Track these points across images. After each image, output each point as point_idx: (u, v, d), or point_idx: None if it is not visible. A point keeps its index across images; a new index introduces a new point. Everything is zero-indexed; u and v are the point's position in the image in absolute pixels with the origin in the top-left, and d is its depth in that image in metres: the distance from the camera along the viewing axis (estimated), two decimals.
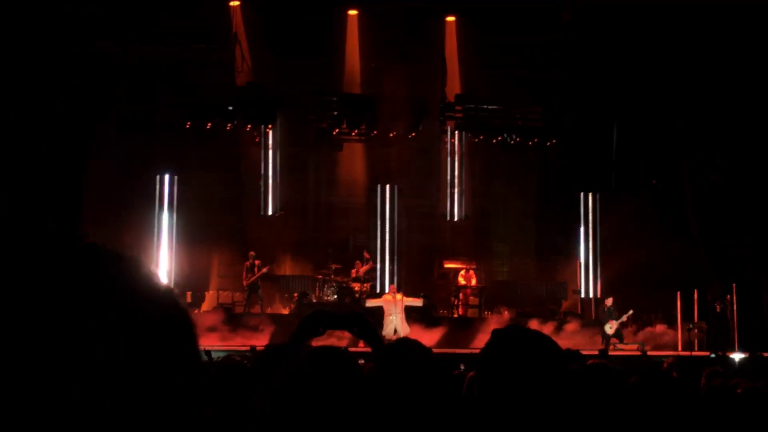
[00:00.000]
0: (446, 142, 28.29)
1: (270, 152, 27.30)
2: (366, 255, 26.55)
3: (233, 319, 24.04)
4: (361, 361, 11.35)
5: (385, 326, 22.62)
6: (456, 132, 28.25)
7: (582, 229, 27.71)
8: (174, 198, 25.97)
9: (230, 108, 26.86)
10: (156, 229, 25.76)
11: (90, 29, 24.67)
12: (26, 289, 0.80)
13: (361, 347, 14.19)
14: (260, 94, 26.87)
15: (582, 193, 27.75)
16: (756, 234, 26.26)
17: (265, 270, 25.46)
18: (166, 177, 25.96)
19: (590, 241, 27.62)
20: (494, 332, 2.51)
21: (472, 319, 25.87)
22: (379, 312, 23.14)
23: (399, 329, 22.38)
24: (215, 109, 26.80)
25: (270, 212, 27.17)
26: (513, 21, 26.52)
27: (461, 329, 24.51)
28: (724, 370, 10.16)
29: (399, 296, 23.16)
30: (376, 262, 26.54)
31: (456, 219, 28.08)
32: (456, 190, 28.19)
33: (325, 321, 3.81)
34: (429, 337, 23.57)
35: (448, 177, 28.24)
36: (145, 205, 25.74)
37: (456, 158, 28.34)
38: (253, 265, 25.38)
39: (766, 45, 24.86)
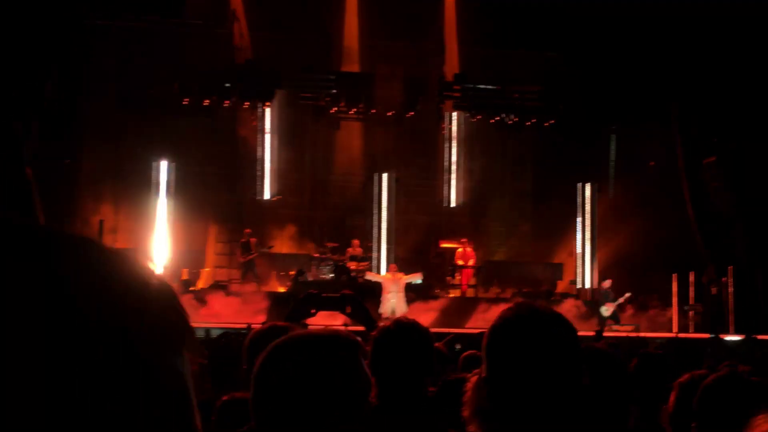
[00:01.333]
0: (444, 128, 28.25)
1: (267, 135, 27.24)
2: (357, 245, 26.45)
3: (228, 296, 24.04)
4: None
5: (383, 303, 22.71)
6: (454, 117, 28.21)
7: (579, 217, 27.71)
8: (171, 179, 25.88)
9: (228, 85, 26.77)
10: (152, 206, 25.70)
11: (86, 3, 24.55)
12: (17, 286, 0.78)
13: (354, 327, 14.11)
14: (258, 71, 26.80)
15: (580, 192, 27.81)
16: (751, 216, 26.25)
17: (264, 250, 25.44)
18: (164, 164, 25.82)
19: (587, 227, 27.61)
20: (505, 313, 2.35)
21: (469, 299, 25.90)
22: (378, 288, 23.23)
23: (396, 309, 22.42)
24: (213, 86, 26.71)
25: (266, 197, 27.17)
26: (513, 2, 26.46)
27: (458, 309, 24.54)
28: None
29: (399, 275, 23.21)
30: (371, 242, 26.57)
31: (453, 205, 28.16)
32: (453, 176, 28.21)
33: (318, 302, 3.80)
34: (425, 317, 23.61)
35: (446, 163, 28.24)
36: (141, 183, 25.68)
37: (454, 144, 28.34)
38: (248, 243, 25.34)
39: (759, 26, 24.79)
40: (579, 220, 27.74)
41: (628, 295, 24.69)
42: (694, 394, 3.23)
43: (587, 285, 27.33)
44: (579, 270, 27.55)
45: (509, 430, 2.24)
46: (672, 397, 3.47)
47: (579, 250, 27.67)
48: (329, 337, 2.19)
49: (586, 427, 2.28)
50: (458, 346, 8.70)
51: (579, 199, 27.77)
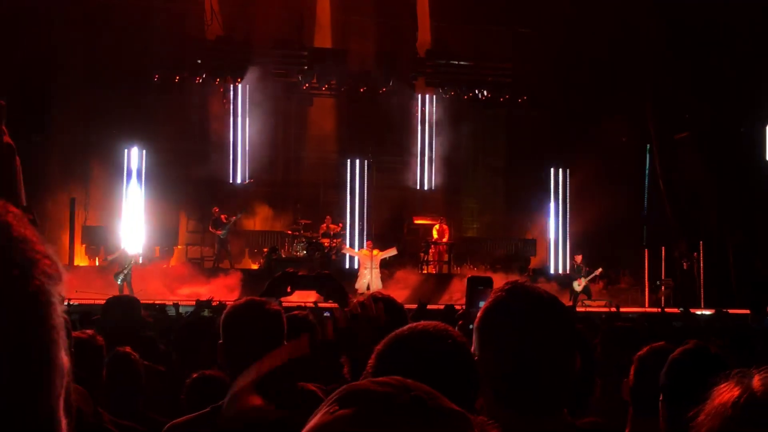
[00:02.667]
0: (417, 111, 28.18)
1: (239, 118, 27.04)
2: (330, 221, 26.38)
3: (201, 274, 23.99)
4: (327, 314, 11.38)
5: (359, 279, 22.84)
6: (427, 99, 28.14)
7: (551, 202, 27.76)
8: (142, 165, 25.70)
9: (198, 61, 26.57)
10: (124, 184, 25.54)
11: None
12: None
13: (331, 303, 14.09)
14: (229, 48, 26.63)
15: (552, 168, 27.87)
16: (722, 191, 26.42)
17: (234, 218, 25.30)
18: (135, 150, 25.67)
19: (559, 213, 27.62)
20: (499, 294, 2.27)
21: (443, 275, 25.96)
22: (351, 266, 23.32)
23: (372, 284, 22.55)
24: (183, 62, 26.50)
25: (239, 181, 27.03)
26: None
27: (431, 285, 24.59)
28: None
29: (375, 252, 23.27)
30: (345, 219, 26.55)
31: (426, 188, 28.16)
32: (426, 159, 28.18)
33: (293, 281, 3.78)
34: (398, 293, 23.66)
35: (419, 147, 28.19)
36: (112, 163, 25.52)
37: (427, 128, 28.26)
38: (218, 219, 25.21)
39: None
40: (552, 205, 27.76)
41: (600, 270, 24.81)
42: (653, 367, 3.26)
43: (560, 264, 27.39)
44: (552, 253, 27.59)
45: (504, 410, 2.22)
46: (632, 371, 3.49)
47: (552, 235, 27.69)
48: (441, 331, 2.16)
49: (572, 405, 2.26)
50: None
51: (551, 184, 27.78)
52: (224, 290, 21.79)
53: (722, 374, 1.67)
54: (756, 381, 1.59)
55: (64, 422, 0.96)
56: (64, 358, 0.97)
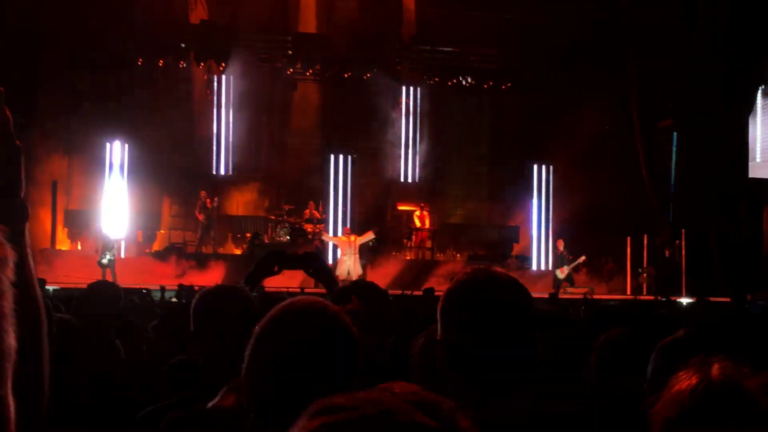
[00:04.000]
0: (401, 103, 28.05)
1: (223, 110, 26.88)
2: (313, 207, 26.38)
3: (184, 259, 23.95)
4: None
5: (339, 265, 22.81)
6: (411, 91, 28.00)
7: (534, 198, 27.72)
8: (125, 157, 25.52)
9: (183, 45, 26.46)
10: (106, 167, 25.40)
11: None
12: None
13: (316, 289, 14.20)
14: (213, 32, 26.51)
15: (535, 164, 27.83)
16: (705, 180, 26.52)
17: (214, 204, 25.29)
18: (117, 143, 25.49)
19: (542, 208, 27.58)
20: (461, 277, 2.37)
21: (425, 261, 26.00)
22: (333, 250, 23.34)
23: (351, 270, 22.53)
24: (167, 46, 26.39)
25: (222, 173, 26.88)
26: None
27: (414, 271, 24.63)
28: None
29: (353, 238, 23.22)
30: (328, 206, 26.48)
31: (410, 180, 28.01)
32: (410, 151, 28.05)
33: (281, 260, 3.78)
34: (381, 280, 23.69)
35: (402, 139, 28.08)
36: (95, 151, 25.39)
37: (411, 119, 28.12)
38: (204, 204, 25.22)
39: None
40: (534, 201, 27.72)
41: (583, 258, 24.86)
42: (611, 353, 3.29)
43: (542, 260, 27.30)
44: (534, 248, 27.53)
45: (466, 389, 2.26)
46: (592, 358, 3.50)
47: (534, 232, 27.62)
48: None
49: (537, 385, 2.31)
50: None
51: (534, 181, 27.70)
52: (207, 275, 21.77)
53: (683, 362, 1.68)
54: (715, 369, 1.59)
55: (12, 404, 0.95)
56: (10, 342, 0.96)
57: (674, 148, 27.39)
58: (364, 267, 23.39)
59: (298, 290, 14.58)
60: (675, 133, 27.36)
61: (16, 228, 1.46)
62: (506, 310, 2.29)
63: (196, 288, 12.53)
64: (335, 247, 24.63)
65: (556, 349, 3.82)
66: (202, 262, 23.71)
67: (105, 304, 5.57)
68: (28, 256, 1.51)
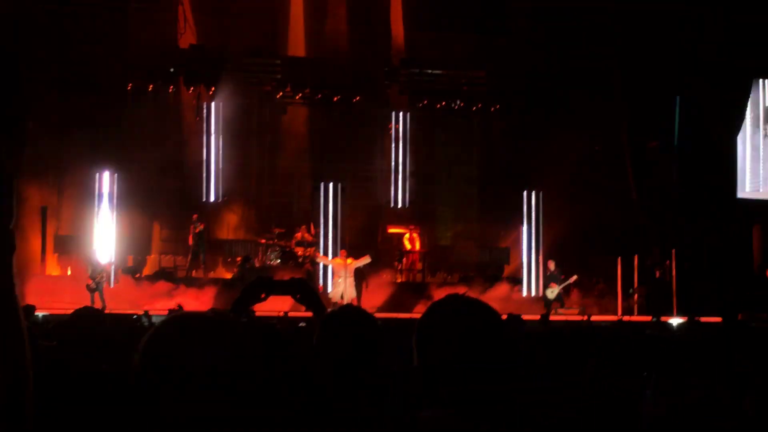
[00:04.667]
0: (391, 128, 27.98)
1: (213, 137, 26.79)
2: (305, 230, 26.36)
3: (175, 283, 23.90)
4: (302, 324, 11.36)
5: (333, 288, 22.82)
6: (401, 117, 27.93)
7: (525, 225, 27.53)
8: (114, 184, 25.39)
9: (172, 70, 26.47)
10: (96, 192, 25.32)
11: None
12: None
13: (304, 312, 14.06)
14: (203, 56, 26.54)
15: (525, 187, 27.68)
16: (695, 199, 26.61)
17: (201, 227, 25.23)
18: (107, 174, 25.35)
19: (532, 237, 27.38)
20: (432, 306, 2.48)
21: (416, 284, 25.98)
22: (325, 273, 23.35)
23: (345, 294, 22.50)
24: (157, 71, 26.40)
25: (212, 199, 26.76)
26: None
27: (405, 294, 24.61)
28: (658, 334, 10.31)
29: (349, 260, 23.19)
30: (319, 228, 26.41)
31: (399, 206, 27.87)
32: (399, 177, 27.89)
33: (268, 287, 3.77)
34: (373, 302, 23.68)
35: (392, 165, 27.97)
36: (85, 168, 25.31)
37: (401, 144, 27.98)
38: (195, 226, 25.21)
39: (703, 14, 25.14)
40: (524, 228, 27.56)
41: (574, 278, 24.89)
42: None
43: (533, 290, 27.03)
44: (525, 274, 27.29)
45: (443, 414, 2.30)
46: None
47: (525, 259, 27.43)
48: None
49: (514, 405, 2.35)
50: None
51: (524, 208, 27.53)
52: (197, 299, 21.72)
53: None
54: None
55: None
56: None
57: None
58: (359, 290, 23.38)
59: (288, 314, 14.57)
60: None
61: (3, 259, 1.46)
62: (474, 332, 2.35)
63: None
64: (326, 269, 24.61)
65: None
66: (192, 286, 23.65)
67: (88, 331, 5.52)
68: (14, 287, 1.51)
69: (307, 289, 3.71)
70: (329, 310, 3.47)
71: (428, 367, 2.36)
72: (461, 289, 23.76)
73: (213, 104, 26.65)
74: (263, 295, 3.72)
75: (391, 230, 28.22)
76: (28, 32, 24.37)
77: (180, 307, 13.17)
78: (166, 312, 14.96)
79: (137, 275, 24.95)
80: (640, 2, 25.63)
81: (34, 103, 24.27)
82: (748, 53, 25.98)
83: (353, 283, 23.04)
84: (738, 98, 27.31)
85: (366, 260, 23.75)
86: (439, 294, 23.15)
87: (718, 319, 17.47)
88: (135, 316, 14.11)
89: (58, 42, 24.91)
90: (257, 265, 25.48)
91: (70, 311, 5.18)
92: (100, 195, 25.11)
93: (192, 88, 26.86)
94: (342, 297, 22.33)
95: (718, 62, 26.08)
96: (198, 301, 21.69)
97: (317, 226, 26.39)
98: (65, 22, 25.13)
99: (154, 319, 14.93)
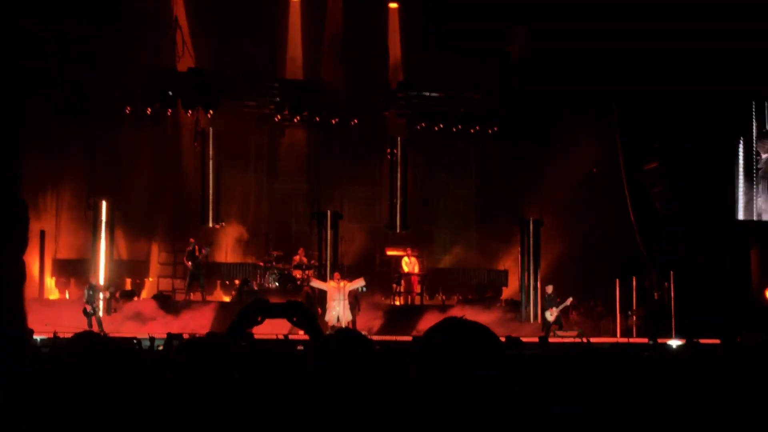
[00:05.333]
0: (388, 152, 27.95)
1: (211, 161, 26.74)
2: (302, 253, 26.37)
3: (173, 306, 23.88)
4: (300, 347, 11.36)
5: (328, 311, 22.74)
6: (399, 142, 27.90)
7: (522, 254, 27.28)
8: (112, 205, 25.22)
9: (170, 93, 26.52)
10: (94, 217, 25.24)
11: (22, 8, 24.17)
12: None
13: (301, 335, 14.05)
14: (201, 79, 26.60)
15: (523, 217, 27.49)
16: (693, 221, 26.63)
17: (205, 251, 25.24)
18: (103, 199, 25.10)
19: (530, 265, 27.12)
20: (430, 329, 2.51)
21: (414, 307, 25.96)
22: (323, 295, 23.27)
23: (341, 316, 22.45)
24: (155, 94, 26.43)
25: (210, 224, 26.69)
26: (455, 7, 26.60)
27: (403, 316, 24.58)
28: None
29: (342, 283, 23.14)
30: (316, 252, 26.34)
31: (398, 230, 27.77)
32: (398, 202, 27.79)
33: (265, 310, 3.79)
34: (371, 325, 23.66)
35: (390, 189, 27.90)
36: (83, 192, 25.31)
37: (399, 169, 27.88)
38: (193, 250, 25.19)
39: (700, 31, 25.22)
40: (522, 245, 27.37)
41: (570, 300, 24.90)
42: None
43: (532, 315, 26.80)
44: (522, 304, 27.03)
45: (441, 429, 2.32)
46: None
47: (523, 275, 27.19)
48: None
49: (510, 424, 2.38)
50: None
51: (521, 234, 27.32)
52: (195, 322, 21.69)
53: None
54: None
55: None
56: None
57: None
58: (353, 312, 23.34)
59: (288, 337, 14.56)
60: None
61: (17, 289, 1.49)
62: (472, 354, 2.39)
63: (185, 336, 12.48)
64: (324, 292, 24.59)
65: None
66: (190, 309, 23.62)
67: (87, 355, 5.53)
68: (26, 316, 1.54)
69: (303, 312, 3.73)
70: (326, 333, 3.49)
71: (426, 385, 2.39)
72: (459, 312, 23.77)
73: (211, 129, 26.62)
74: (260, 318, 3.74)
75: (390, 253, 28.20)
76: (27, 55, 24.46)
77: (181, 334, 13.13)
78: (165, 335, 14.94)
79: (135, 298, 24.92)
80: (637, 24, 25.70)
81: (32, 127, 24.35)
82: (744, 76, 26.05)
83: (348, 306, 22.98)
84: (735, 120, 27.38)
85: (360, 283, 23.73)
86: (437, 317, 23.18)
87: (717, 341, 17.46)
88: (135, 340, 14.06)
89: (57, 66, 24.98)
90: (255, 288, 25.46)
91: (69, 335, 5.19)
92: (98, 219, 24.99)
93: (190, 112, 26.89)
94: (338, 320, 22.30)
95: (715, 85, 26.15)
96: (196, 323, 21.64)
97: (315, 251, 26.32)
98: (64, 46, 25.22)
99: (157, 343, 14.91)
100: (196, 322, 21.97)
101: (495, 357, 2.45)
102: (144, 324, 21.81)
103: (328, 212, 26.12)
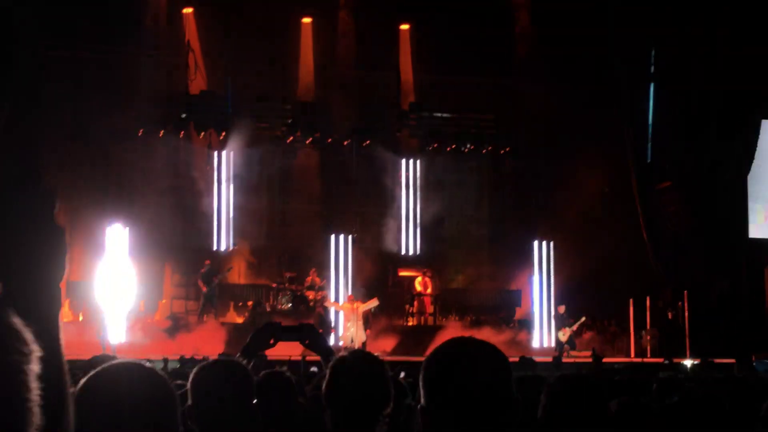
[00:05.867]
0: (401, 176, 28.03)
1: (223, 185, 26.84)
2: (314, 274, 26.37)
3: (186, 328, 23.88)
4: (314, 369, 11.34)
5: (343, 331, 22.81)
6: (411, 163, 28.00)
7: (535, 275, 27.31)
8: (125, 231, 25.21)
9: (183, 116, 26.62)
10: (106, 243, 25.23)
11: (38, 32, 24.36)
12: None
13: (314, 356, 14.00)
14: (213, 102, 26.71)
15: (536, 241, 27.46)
16: (706, 241, 26.57)
17: (225, 273, 25.36)
18: (118, 226, 25.04)
19: (543, 286, 27.07)
20: (439, 346, 2.50)
21: (428, 327, 25.90)
22: (336, 317, 23.32)
23: (355, 338, 22.46)
24: (168, 116, 26.54)
25: (223, 248, 26.77)
26: (466, 28, 26.69)
27: (417, 337, 24.52)
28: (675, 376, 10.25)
29: (356, 305, 23.17)
30: (329, 274, 26.32)
31: (410, 254, 27.84)
32: (410, 225, 27.91)
33: (276, 332, 3.79)
34: (384, 346, 23.61)
35: (403, 213, 28.02)
36: (97, 213, 25.34)
37: (411, 192, 28.00)
38: (209, 273, 25.24)
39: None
40: (535, 266, 27.31)
41: (583, 319, 24.84)
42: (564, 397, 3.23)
43: (544, 326, 26.72)
44: (536, 328, 26.99)
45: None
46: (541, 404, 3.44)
47: (537, 309, 27.06)
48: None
49: None
50: (402, 374, 8.69)
51: (535, 256, 27.36)
52: (208, 344, 21.67)
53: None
54: None
55: None
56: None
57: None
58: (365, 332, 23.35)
59: (299, 358, 14.54)
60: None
61: (55, 315, 1.52)
62: (479, 374, 2.37)
63: (198, 358, 12.48)
64: (338, 314, 24.59)
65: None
66: (203, 330, 23.62)
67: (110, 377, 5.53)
68: (62, 345, 1.56)
69: (315, 334, 3.73)
70: (340, 354, 3.48)
71: (435, 406, 2.38)
72: (473, 333, 23.74)
73: (224, 152, 26.72)
74: (272, 341, 3.74)
75: (402, 273, 28.18)
76: (42, 77, 24.64)
77: (193, 356, 13.15)
78: (177, 357, 14.95)
79: (149, 320, 24.92)
80: (647, 44, 25.76)
81: (46, 149, 24.48)
82: (757, 94, 26.06)
83: (362, 327, 23.04)
84: (748, 138, 27.36)
85: (374, 303, 23.76)
86: (450, 337, 23.02)
87: (732, 360, 17.39)
88: (148, 362, 14.04)
89: (72, 88, 25.11)
90: (268, 309, 25.45)
91: (85, 357, 5.20)
92: (111, 243, 25.01)
93: (203, 134, 26.99)
94: (352, 341, 22.30)
95: (727, 102, 26.16)
96: (209, 345, 21.62)
97: (328, 268, 26.30)
98: (76, 67, 25.37)
99: (170, 365, 14.90)
100: (209, 344, 21.94)
101: (503, 377, 2.42)
102: (157, 346, 21.79)
103: (341, 233, 26.15)
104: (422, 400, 2.41)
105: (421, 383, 2.44)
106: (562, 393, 3.20)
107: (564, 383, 3.25)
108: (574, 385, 3.21)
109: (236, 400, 3.25)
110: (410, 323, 26.46)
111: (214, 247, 26.78)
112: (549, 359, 18.34)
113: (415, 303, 26.70)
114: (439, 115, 28.35)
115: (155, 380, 2.42)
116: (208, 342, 22.28)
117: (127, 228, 24.81)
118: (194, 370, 3.35)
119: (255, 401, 3.33)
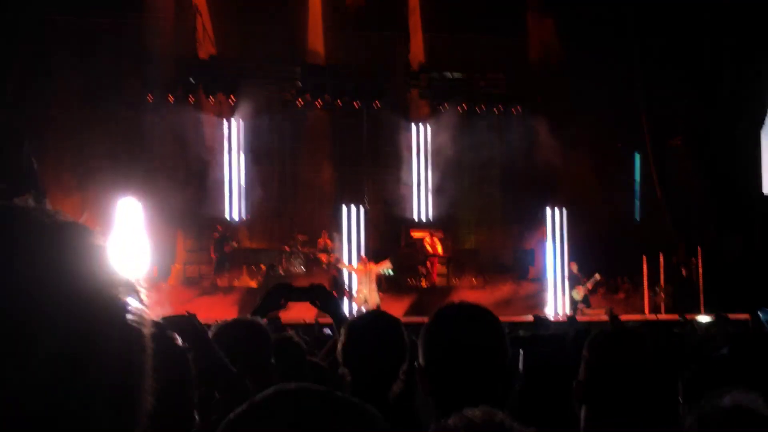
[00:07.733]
0: (411, 139, 27.96)
1: (234, 155, 26.77)
2: (326, 236, 26.38)
3: (200, 292, 23.95)
4: (327, 331, 11.34)
5: (356, 293, 22.83)
6: (421, 127, 27.94)
7: (549, 240, 27.11)
8: (139, 210, 25.16)
9: (192, 80, 26.53)
10: (119, 215, 25.21)
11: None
12: None
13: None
14: (222, 65, 26.61)
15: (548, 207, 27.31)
16: (719, 195, 26.45)
17: (230, 250, 25.42)
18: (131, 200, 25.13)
19: (557, 253, 26.89)
20: (437, 310, 2.66)
21: (441, 288, 25.91)
22: (350, 278, 23.37)
23: (369, 299, 22.48)
24: (176, 80, 26.44)
25: (236, 218, 26.80)
26: None
27: (430, 298, 24.53)
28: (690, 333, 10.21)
29: (369, 266, 23.18)
30: (342, 234, 26.31)
31: (423, 219, 27.86)
32: (422, 190, 27.89)
33: (288, 293, 3.76)
34: (398, 307, 23.65)
35: (414, 175, 27.96)
36: (108, 184, 25.30)
37: (422, 156, 27.97)
38: (221, 240, 25.31)
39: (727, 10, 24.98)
40: (548, 244, 27.11)
41: (597, 276, 24.78)
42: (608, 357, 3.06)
43: (558, 278, 26.65)
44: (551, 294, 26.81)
45: (447, 413, 2.33)
46: (582, 365, 3.21)
47: (551, 275, 26.91)
48: None
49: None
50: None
51: (548, 224, 27.15)
52: (222, 307, 21.74)
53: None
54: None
55: None
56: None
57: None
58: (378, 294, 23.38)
59: (313, 322, 14.56)
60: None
61: None
62: (473, 336, 2.52)
63: (212, 322, 12.47)
64: (351, 275, 24.62)
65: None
66: (217, 295, 23.68)
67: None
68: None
69: (326, 295, 3.69)
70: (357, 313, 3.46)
71: (434, 367, 2.52)
72: (486, 293, 23.81)
73: (233, 120, 26.68)
74: (283, 302, 3.71)
75: (415, 234, 28.17)
76: (52, 44, 24.62)
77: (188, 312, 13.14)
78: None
79: (162, 284, 24.98)
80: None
81: (56, 116, 24.48)
82: None
83: (375, 288, 23.06)
84: (761, 92, 27.13)
85: (386, 264, 23.76)
86: (464, 297, 23.01)
87: (746, 316, 17.33)
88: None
89: (79, 54, 25.04)
90: (281, 272, 25.49)
91: None
92: (123, 214, 24.99)
93: (212, 98, 26.90)
94: (366, 302, 22.34)
95: (739, 56, 25.93)
96: (223, 308, 21.67)
97: (339, 238, 26.21)
98: (84, 33, 25.30)
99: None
100: (223, 308, 22.00)
101: (498, 341, 2.55)
102: (170, 310, 21.85)
103: (352, 195, 26.13)
104: (420, 361, 2.55)
105: (419, 345, 2.59)
106: (610, 348, 3.04)
107: (609, 338, 3.11)
108: (623, 340, 3.08)
109: (254, 357, 3.25)
110: (423, 284, 26.48)
111: (226, 214, 26.79)
112: (563, 318, 18.31)
113: (428, 264, 26.71)
114: (449, 75, 28.20)
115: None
116: (222, 306, 22.36)
117: (138, 192, 24.83)
118: (213, 329, 3.35)
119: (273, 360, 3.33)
